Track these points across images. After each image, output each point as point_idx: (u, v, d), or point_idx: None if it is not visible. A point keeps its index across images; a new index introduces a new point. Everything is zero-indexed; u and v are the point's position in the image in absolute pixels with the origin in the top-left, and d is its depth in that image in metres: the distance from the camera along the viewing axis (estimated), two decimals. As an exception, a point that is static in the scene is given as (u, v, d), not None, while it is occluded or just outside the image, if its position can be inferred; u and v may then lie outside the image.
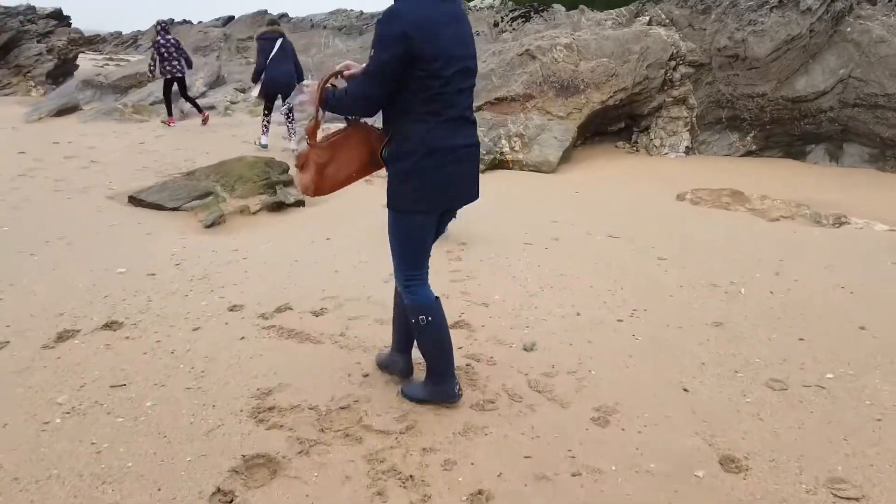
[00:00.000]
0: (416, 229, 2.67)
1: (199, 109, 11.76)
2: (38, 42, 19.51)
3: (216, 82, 15.23)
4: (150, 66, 11.38)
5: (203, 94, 14.22)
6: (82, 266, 4.54)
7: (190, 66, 11.52)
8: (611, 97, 10.23)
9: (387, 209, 2.68)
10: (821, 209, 6.78)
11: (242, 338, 3.50)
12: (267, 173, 7.15)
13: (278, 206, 6.87)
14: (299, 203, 7.13)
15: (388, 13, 2.43)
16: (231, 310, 3.87)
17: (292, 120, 9.87)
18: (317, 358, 3.28)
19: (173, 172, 7.97)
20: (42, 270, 4.44)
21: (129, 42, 49.10)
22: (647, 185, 8.12)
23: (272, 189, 6.98)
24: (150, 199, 6.57)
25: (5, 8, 19.61)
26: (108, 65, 30.00)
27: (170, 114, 11.50)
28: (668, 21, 11.20)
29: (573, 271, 4.70)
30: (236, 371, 3.14)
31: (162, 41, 11.07)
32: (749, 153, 10.26)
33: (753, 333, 3.68)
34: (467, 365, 3.22)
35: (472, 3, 24.58)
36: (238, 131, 11.23)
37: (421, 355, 2.89)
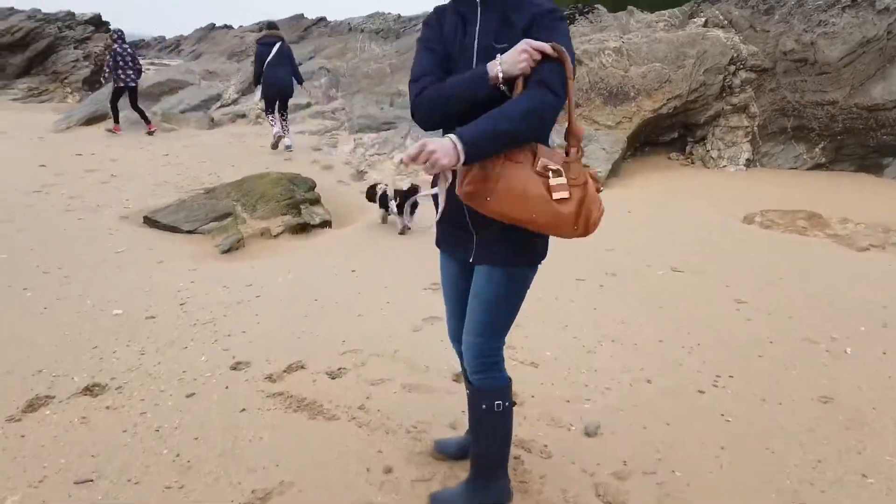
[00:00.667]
0: (528, 285, 2.11)
1: (147, 120, 11.27)
2: (75, 48, 19.52)
3: (248, 89, 14.83)
4: (104, 72, 11.55)
5: (235, 101, 13.84)
6: (76, 306, 4.02)
7: (139, 76, 11.29)
8: (664, 105, 9.44)
9: (496, 267, 2.02)
10: (915, 236, 5.92)
11: (243, 409, 2.91)
12: (291, 192, 6.61)
13: (302, 228, 6.32)
14: (325, 223, 6.57)
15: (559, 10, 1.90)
16: (234, 368, 3.29)
17: (286, 118, 10.01)
18: (329, 442, 2.67)
19: (195, 188, 7.50)
20: (30, 311, 3.93)
21: (173, 46, 49.72)
22: (707, 204, 7.34)
23: (296, 209, 6.43)
24: (166, 221, 6.08)
25: (44, 14, 19.66)
26: (149, 69, 30.24)
27: (116, 121, 11.17)
28: (726, 22, 10.35)
29: (636, 318, 4.00)
30: (230, 460, 2.54)
31: (118, 49, 10.89)
32: (817, 166, 9.35)
33: (876, 417, 2.94)
34: (516, 458, 2.57)
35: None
36: (268, 141, 10.75)
37: (471, 455, 2.26)
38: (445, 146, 1.71)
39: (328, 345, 3.56)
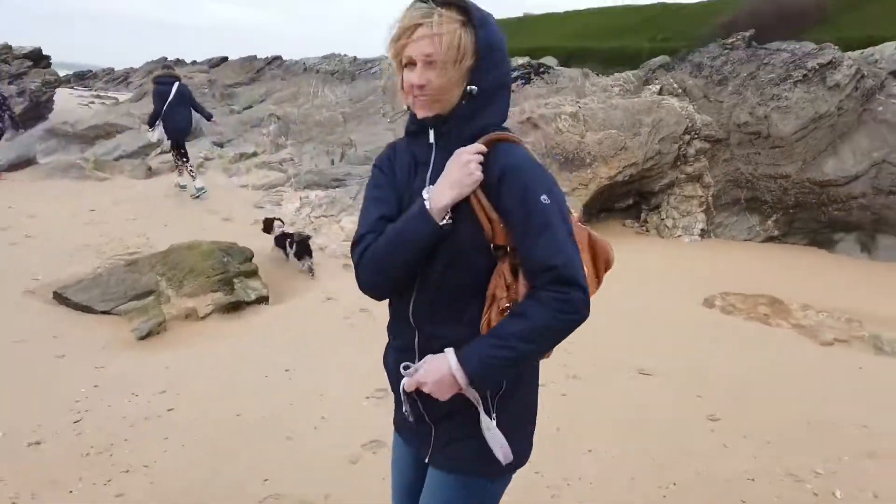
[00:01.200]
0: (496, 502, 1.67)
1: None
2: (10, 83, 18.52)
3: (192, 134, 14.19)
4: None
5: (176, 148, 13.18)
6: (-58, 427, 3.35)
7: (17, 126, 11.35)
8: (620, 172, 9.28)
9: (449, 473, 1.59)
10: (877, 327, 5.75)
11: None
12: (224, 265, 6.03)
13: (234, 307, 5.73)
14: (261, 299, 6.00)
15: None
16: (126, 526, 2.70)
17: (186, 159, 10.02)
18: None
19: (118, 254, 6.84)
20: None
21: (121, 78, 48.52)
22: (667, 280, 7.08)
23: (229, 285, 5.85)
24: (77, 299, 5.40)
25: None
26: (93, 102, 29.10)
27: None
28: (680, 91, 10.36)
29: (604, 441, 3.57)
30: None
31: None
32: (770, 238, 9.30)
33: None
34: None
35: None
36: (220, 196, 10.11)
37: None
38: (442, 380, 1.40)
39: (246, 487, 3.00)
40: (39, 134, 13.11)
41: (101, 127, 13.07)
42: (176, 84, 9.58)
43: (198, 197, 9.60)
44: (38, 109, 18.47)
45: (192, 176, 9.84)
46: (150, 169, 11.45)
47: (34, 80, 18.93)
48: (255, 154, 13.24)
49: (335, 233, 7.86)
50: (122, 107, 16.73)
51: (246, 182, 10.84)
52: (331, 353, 4.68)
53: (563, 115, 9.69)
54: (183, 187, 9.98)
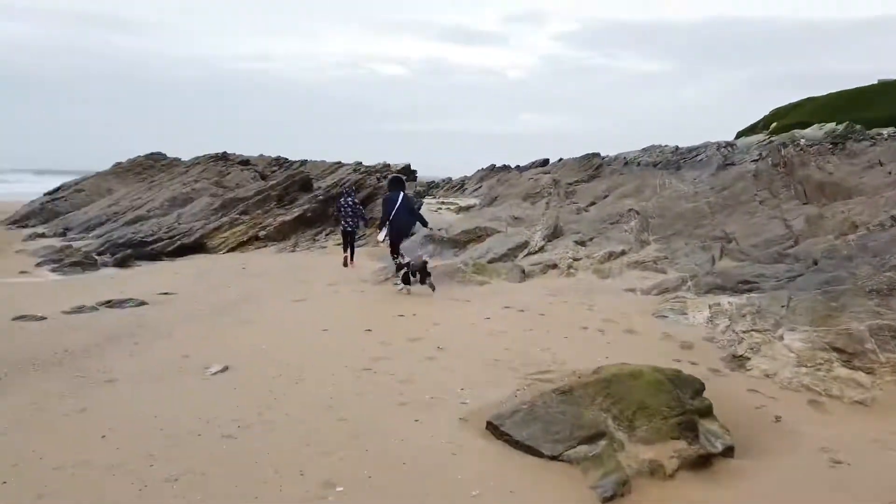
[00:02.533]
0: None
1: (351, 258, 13.63)
2: (389, 196, 21.07)
3: (553, 234, 13.92)
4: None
5: (542, 249, 12.92)
6: None
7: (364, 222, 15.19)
8: None
9: None
10: None
11: None
12: (678, 399, 4.78)
13: (703, 461, 4.39)
14: (728, 450, 4.57)
15: None
16: None
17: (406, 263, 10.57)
18: None
19: (531, 372, 6.12)
20: None
21: (458, 186, 53.97)
22: None
23: (692, 430, 4.55)
24: (519, 436, 4.63)
25: (366, 167, 21.79)
26: (440, 209, 32.29)
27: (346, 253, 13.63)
28: None
29: None
30: None
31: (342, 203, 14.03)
32: None
33: None
34: None
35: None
36: (608, 302, 9.25)
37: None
38: None
39: None
40: (419, 240, 14.09)
41: (472, 231, 13.54)
42: (402, 195, 11.13)
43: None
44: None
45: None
46: (523, 272, 11.19)
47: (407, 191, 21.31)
48: (623, 252, 12.29)
49: (781, 354, 6.14)
50: (487, 211, 17.51)
51: (630, 285, 9.78)
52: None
53: None
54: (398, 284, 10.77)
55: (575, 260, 11.62)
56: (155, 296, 10.09)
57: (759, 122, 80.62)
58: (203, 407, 5.15)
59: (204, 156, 28.90)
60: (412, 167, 26.12)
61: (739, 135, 73.74)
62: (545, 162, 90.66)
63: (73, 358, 6.60)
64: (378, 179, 20.86)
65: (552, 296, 9.68)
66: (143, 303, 9.46)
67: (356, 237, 14.68)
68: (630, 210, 14.63)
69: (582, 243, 13.10)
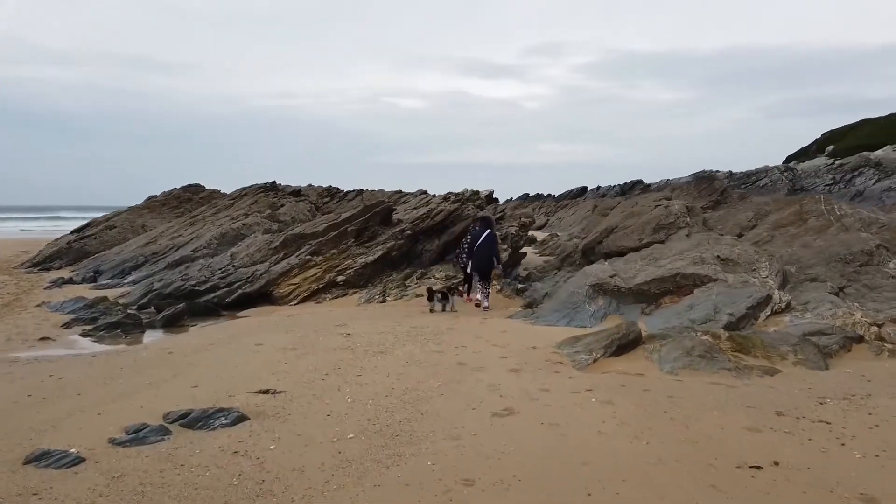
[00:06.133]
0: None
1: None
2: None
3: (784, 281, 9.92)
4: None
5: (788, 306, 8.89)
6: None
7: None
8: None
9: None
10: None
11: None
12: None
13: None
14: None
15: None
16: None
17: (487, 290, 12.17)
18: None
19: None
20: None
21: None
22: None
23: None
24: None
25: (457, 195, 18.06)
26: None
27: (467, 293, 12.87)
28: None
29: None
30: None
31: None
32: None
33: None
34: None
35: None
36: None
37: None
38: None
39: None
40: (585, 292, 10.18)
41: (669, 280, 9.61)
42: (487, 231, 12.14)
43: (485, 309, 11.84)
44: (517, 256, 16.75)
45: (486, 301, 12.01)
46: (820, 350, 7.18)
47: (512, 223, 17.51)
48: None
49: None
50: (693, 252, 13.58)
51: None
52: None
53: None
54: (487, 308, 11.84)
55: (873, 325, 7.63)
56: (251, 396, 6.30)
57: (811, 145, 76.21)
58: None
59: (251, 186, 25.43)
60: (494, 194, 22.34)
61: (790, 158, 69.53)
62: (583, 190, 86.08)
63: None
64: (478, 208, 17.13)
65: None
66: (241, 417, 5.64)
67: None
68: (879, 246, 10.56)
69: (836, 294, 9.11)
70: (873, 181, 47.14)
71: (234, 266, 15.60)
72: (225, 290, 14.44)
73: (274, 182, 26.04)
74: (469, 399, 6.01)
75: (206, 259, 17.69)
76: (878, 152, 51.69)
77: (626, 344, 7.37)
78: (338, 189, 29.11)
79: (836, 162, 53.29)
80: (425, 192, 24.48)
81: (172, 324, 12.13)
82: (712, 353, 6.81)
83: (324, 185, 28.98)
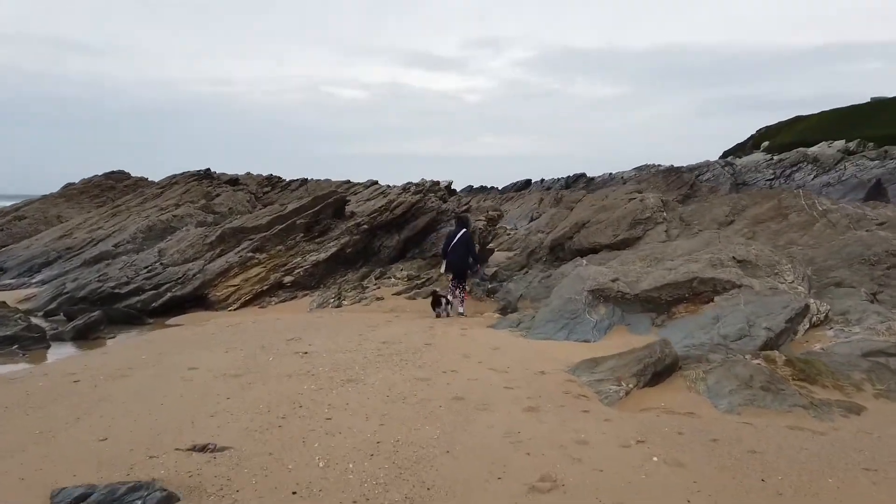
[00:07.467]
0: None
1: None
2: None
3: (810, 286, 8.75)
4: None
5: (827, 318, 7.67)
6: None
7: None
8: None
9: None
10: None
11: None
12: None
13: None
14: None
15: None
16: None
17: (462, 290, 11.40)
18: None
19: None
20: None
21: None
22: None
23: None
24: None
25: (416, 185, 16.39)
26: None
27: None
28: None
29: None
30: None
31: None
32: None
33: None
34: None
35: None
36: None
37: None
38: None
39: None
40: (585, 300, 8.74)
41: (684, 286, 8.27)
42: (463, 231, 11.34)
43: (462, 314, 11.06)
44: (484, 254, 15.25)
45: (461, 306, 11.18)
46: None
47: (478, 217, 15.98)
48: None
49: None
50: (709, 253, 12.29)
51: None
52: None
53: None
54: (461, 314, 11.07)
55: None
56: (181, 458, 4.54)
57: (747, 140, 77.88)
58: None
59: (183, 173, 23.00)
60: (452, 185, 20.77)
61: (727, 154, 70.78)
62: (528, 183, 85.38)
63: None
64: (444, 200, 15.52)
65: None
66: (168, 498, 3.89)
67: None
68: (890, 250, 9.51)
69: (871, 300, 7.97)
70: (812, 176, 48.11)
71: (162, 264, 13.48)
72: (151, 292, 12.36)
73: (208, 169, 23.69)
74: (487, 460, 4.43)
75: (129, 256, 15.43)
76: (815, 148, 52.99)
77: (661, 371, 5.95)
78: (279, 178, 26.93)
79: (775, 157, 54.32)
80: (376, 183, 22.70)
81: (85, 336, 10.07)
82: (776, 384, 5.46)
83: (263, 174, 26.73)
